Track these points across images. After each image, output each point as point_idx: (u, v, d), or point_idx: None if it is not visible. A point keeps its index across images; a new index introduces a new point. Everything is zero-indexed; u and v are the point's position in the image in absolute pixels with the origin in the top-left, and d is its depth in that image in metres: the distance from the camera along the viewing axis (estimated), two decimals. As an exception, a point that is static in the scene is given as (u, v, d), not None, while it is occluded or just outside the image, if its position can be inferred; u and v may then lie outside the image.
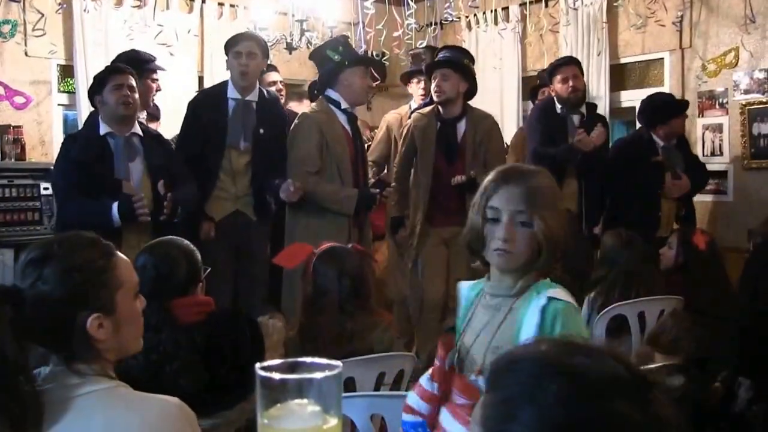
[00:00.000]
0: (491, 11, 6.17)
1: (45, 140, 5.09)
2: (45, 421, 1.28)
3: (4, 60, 4.95)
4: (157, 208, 3.30)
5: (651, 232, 4.17)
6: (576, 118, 4.44)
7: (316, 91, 4.17)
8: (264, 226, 3.96)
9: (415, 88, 5.01)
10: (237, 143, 3.81)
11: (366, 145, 4.48)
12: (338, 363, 0.80)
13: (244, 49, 3.81)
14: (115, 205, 3.22)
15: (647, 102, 4.48)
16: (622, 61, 5.59)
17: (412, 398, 1.59)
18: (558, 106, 4.44)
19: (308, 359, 0.81)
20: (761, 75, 4.80)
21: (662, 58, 5.35)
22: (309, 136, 3.72)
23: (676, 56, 5.24)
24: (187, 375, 2.01)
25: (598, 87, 5.47)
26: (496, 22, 6.18)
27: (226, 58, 3.91)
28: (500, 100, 6.15)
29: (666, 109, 4.36)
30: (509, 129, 5.98)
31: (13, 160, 4.75)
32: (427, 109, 4.25)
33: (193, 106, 3.94)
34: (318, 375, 0.78)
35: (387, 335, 2.41)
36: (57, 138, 4.99)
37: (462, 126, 4.08)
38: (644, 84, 5.46)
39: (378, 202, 3.90)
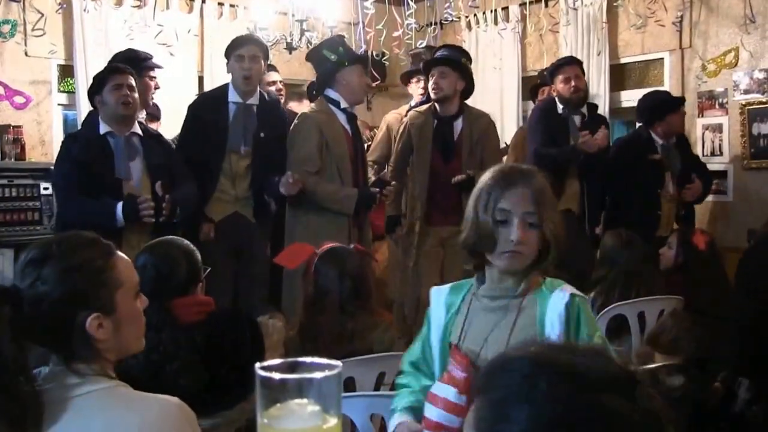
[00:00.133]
0: (491, 11, 6.17)
1: (45, 140, 5.09)
2: (45, 420, 1.28)
3: (4, 60, 4.95)
4: (155, 208, 3.31)
5: (651, 231, 4.18)
6: (577, 119, 4.44)
7: (314, 92, 4.17)
8: (263, 227, 3.96)
9: (415, 88, 5.01)
10: (238, 147, 3.80)
11: (366, 145, 4.49)
12: (338, 363, 0.80)
13: (247, 53, 3.79)
14: (119, 205, 3.22)
15: (644, 100, 4.50)
16: (622, 61, 5.59)
17: (438, 414, 1.57)
18: (559, 106, 4.44)
19: (308, 359, 0.81)
20: (761, 75, 4.80)
21: (662, 58, 5.35)
22: (309, 136, 3.72)
23: (676, 56, 5.24)
24: (187, 375, 2.01)
25: (598, 87, 5.47)
26: (496, 22, 6.18)
27: (227, 61, 3.88)
28: (500, 100, 6.15)
29: (662, 106, 4.37)
30: (509, 129, 5.98)
31: (13, 159, 4.74)
32: (424, 107, 4.25)
33: (193, 109, 3.93)
34: (318, 375, 0.78)
35: (387, 335, 2.41)
36: (57, 138, 4.98)
37: (459, 124, 4.09)
38: (644, 84, 5.46)
39: (378, 201, 3.90)
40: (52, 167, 4.01)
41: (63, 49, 5.18)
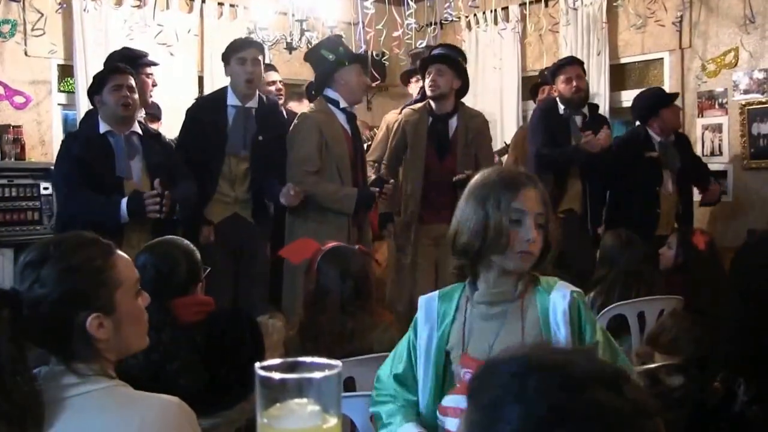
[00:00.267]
0: (491, 11, 6.17)
1: (45, 140, 5.09)
2: (45, 420, 1.28)
3: (4, 60, 4.95)
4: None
5: (650, 229, 4.19)
6: (578, 119, 4.44)
7: (313, 92, 4.17)
8: (263, 227, 3.96)
9: (415, 88, 5.01)
10: (237, 151, 3.80)
11: (366, 145, 4.49)
12: (338, 363, 0.80)
13: (249, 56, 3.76)
14: (123, 201, 3.22)
15: (638, 98, 4.54)
16: (622, 61, 5.59)
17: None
18: (561, 106, 4.44)
19: (308, 359, 0.81)
20: (761, 75, 4.81)
21: (662, 58, 5.35)
22: (308, 136, 3.72)
23: (675, 56, 5.24)
24: (187, 375, 2.01)
25: (598, 87, 5.47)
26: (496, 22, 6.18)
27: (225, 64, 3.86)
28: (500, 100, 6.16)
29: (655, 101, 4.39)
30: (509, 129, 5.99)
31: (12, 159, 4.74)
32: (419, 105, 4.26)
33: (191, 114, 3.90)
34: (318, 374, 0.78)
35: (387, 335, 2.41)
36: (57, 138, 4.98)
37: (454, 122, 4.10)
38: (644, 84, 5.46)
39: (377, 200, 3.90)
40: (52, 167, 4.01)
41: (63, 49, 5.18)
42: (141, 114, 3.79)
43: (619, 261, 3.30)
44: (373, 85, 5.99)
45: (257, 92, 3.90)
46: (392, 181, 4.01)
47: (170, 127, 4.45)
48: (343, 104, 3.81)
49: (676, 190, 4.42)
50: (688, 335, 2.42)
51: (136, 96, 3.40)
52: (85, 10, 5.09)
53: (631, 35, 5.49)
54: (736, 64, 4.91)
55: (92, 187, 3.28)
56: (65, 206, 3.44)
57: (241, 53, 3.77)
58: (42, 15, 5.02)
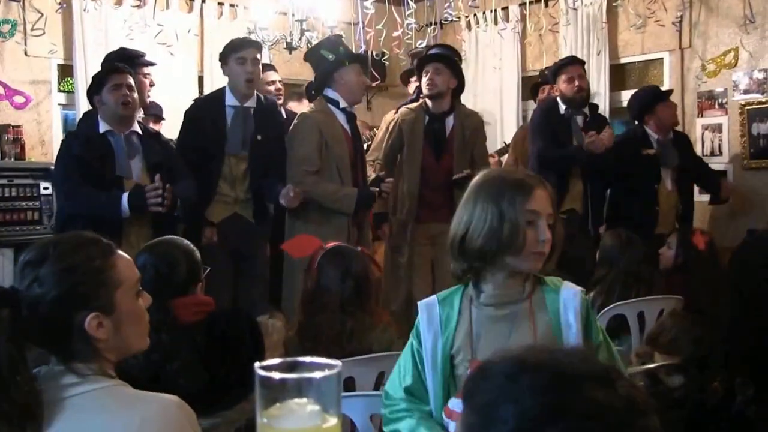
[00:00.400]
0: (491, 11, 6.17)
1: (45, 140, 5.09)
2: (44, 420, 1.28)
3: (4, 59, 4.95)
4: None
5: (650, 227, 4.20)
6: (579, 119, 4.45)
7: (313, 92, 4.17)
8: (263, 228, 3.96)
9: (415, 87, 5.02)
10: (236, 151, 3.80)
11: (366, 145, 4.49)
12: (338, 362, 0.80)
13: (249, 55, 3.76)
14: (124, 196, 3.22)
15: (633, 96, 4.57)
16: (622, 61, 5.59)
17: None
18: (562, 106, 4.45)
19: (308, 358, 0.81)
20: (760, 75, 4.81)
21: (662, 58, 5.35)
22: (308, 136, 3.72)
23: (675, 56, 5.24)
24: (187, 375, 2.01)
25: (597, 87, 5.47)
26: (495, 22, 6.18)
27: (223, 64, 3.85)
28: (500, 100, 6.16)
29: (650, 98, 4.40)
30: (509, 129, 6.00)
31: (12, 159, 4.74)
32: (415, 104, 4.27)
33: (190, 115, 3.89)
34: (317, 374, 0.78)
35: (386, 335, 2.41)
36: (57, 138, 4.98)
37: (450, 121, 4.12)
38: (644, 84, 5.45)
39: (377, 200, 3.90)
40: (52, 167, 4.01)
41: (63, 49, 5.18)
42: (140, 114, 3.79)
43: (619, 261, 3.30)
44: (373, 85, 5.99)
45: (255, 92, 3.90)
46: (390, 179, 4.02)
47: (170, 127, 4.45)
48: (342, 104, 3.82)
49: (675, 188, 4.42)
50: (687, 335, 2.42)
51: (136, 95, 3.40)
52: (85, 10, 5.09)
53: (631, 35, 5.49)
54: (735, 64, 4.91)
55: (92, 185, 3.28)
56: (66, 204, 3.43)
57: (240, 53, 3.76)
58: (42, 15, 5.02)
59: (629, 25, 5.46)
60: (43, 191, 4.67)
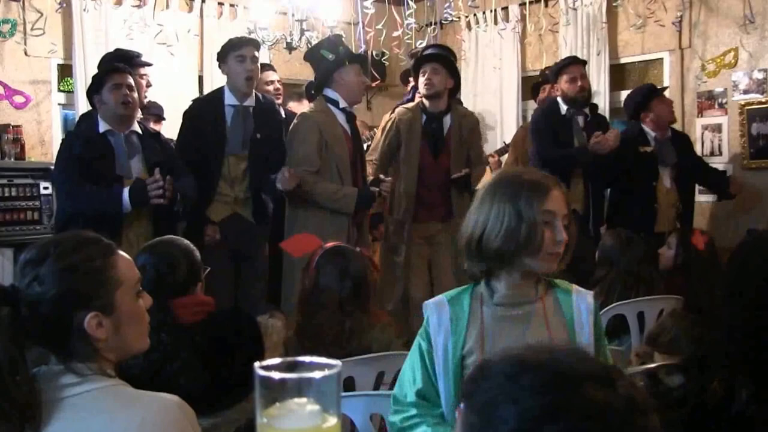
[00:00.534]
0: (491, 11, 6.17)
1: (45, 140, 5.09)
2: (44, 420, 1.28)
3: (4, 59, 4.95)
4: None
5: (649, 224, 4.21)
6: (580, 119, 4.45)
7: (313, 92, 4.17)
8: (262, 227, 3.96)
9: (415, 88, 5.02)
10: (237, 150, 3.80)
11: (366, 145, 4.49)
12: (337, 362, 0.80)
13: (248, 53, 3.76)
14: (126, 190, 3.22)
15: (628, 96, 4.60)
16: (622, 61, 5.59)
17: None
18: (563, 107, 4.45)
19: (307, 358, 0.81)
20: (760, 75, 4.81)
21: (662, 58, 5.35)
22: (308, 136, 3.72)
23: (675, 56, 5.24)
24: (187, 375, 2.01)
25: (597, 87, 5.47)
26: (495, 22, 6.18)
27: (222, 63, 3.84)
28: (500, 100, 6.16)
29: (644, 95, 4.42)
30: (509, 129, 6.00)
31: (12, 159, 4.74)
32: (411, 104, 4.28)
33: (189, 115, 3.89)
34: (317, 374, 0.78)
35: (385, 335, 2.41)
36: (57, 138, 4.99)
37: (448, 121, 4.14)
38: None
39: (376, 199, 3.91)
40: (52, 167, 4.00)
41: (62, 49, 5.17)
42: (138, 114, 3.79)
43: (618, 261, 3.30)
44: (373, 84, 5.99)
45: (253, 91, 3.90)
46: (389, 179, 4.02)
47: (170, 128, 4.45)
48: (342, 104, 3.82)
49: (674, 187, 4.42)
50: (687, 335, 2.42)
51: (136, 95, 3.40)
52: (84, 9, 5.09)
53: (630, 35, 5.49)
54: (735, 64, 4.91)
55: (93, 184, 3.28)
56: (67, 202, 3.42)
57: (239, 51, 3.76)
58: (42, 14, 5.02)
59: (629, 25, 5.46)
60: (43, 191, 4.67)
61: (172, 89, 5.25)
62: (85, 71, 4.94)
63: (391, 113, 4.51)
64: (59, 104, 5.25)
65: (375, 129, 5.45)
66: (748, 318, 2.16)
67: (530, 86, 5.59)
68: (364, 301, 2.44)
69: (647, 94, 4.43)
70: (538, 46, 6.05)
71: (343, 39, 4.14)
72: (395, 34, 5.41)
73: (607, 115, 5.21)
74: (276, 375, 0.78)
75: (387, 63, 6.14)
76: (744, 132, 4.88)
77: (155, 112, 4.70)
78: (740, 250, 2.32)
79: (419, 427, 1.68)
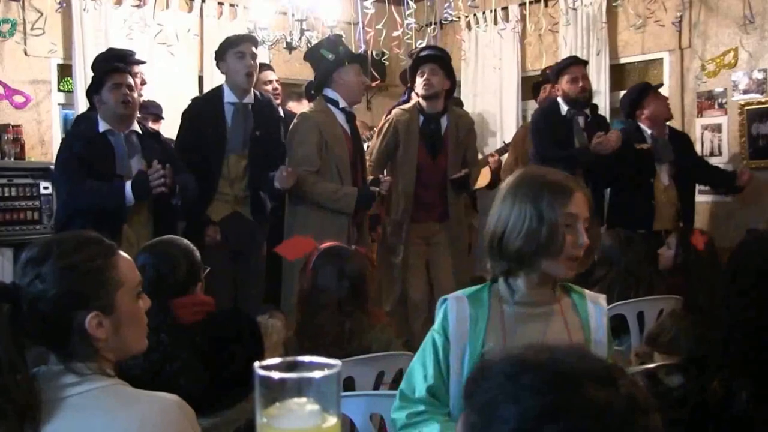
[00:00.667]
0: (491, 11, 6.17)
1: (45, 140, 5.09)
2: (43, 419, 1.28)
3: (4, 59, 4.95)
4: (156, 198, 3.31)
5: (647, 221, 4.21)
6: (581, 119, 4.45)
7: (312, 92, 4.17)
8: (261, 224, 3.96)
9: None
10: (238, 149, 3.80)
11: (366, 145, 4.49)
12: (337, 362, 0.80)
13: (247, 50, 3.78)
14: (128, 184, 3.23)
15: (623, 96, 4.63)
16: (622, 61, 5.59)
17: None
18: (563, 107, 4.45)
19: (307, 358, 0.81)
20: (760, 75, 4.81)
21: (661, 58, 5.35)
22: (308, 136, 3.73)
23: (675, 56, 5.24)
24: (187, 375, 2.01)
25: (597, 87, 5.46)
26: (495, 22, 6.18)
27: (220, 61, 3.84)
28: (500, 100, 6.16)
29: (638, 92, 4.44)
30: (509, 129, 6.00)
31: (12, 159, 4.74)
32: (408, 104, 4.29)
33: (188, 115, 3.89)
34: (317, 374, 0.78)
35: (385, 335, 2.41)
36: (57, 137, 4.98)
37: (445, 121, 4.15)
38: (644, 84, 5.46)
39: (376, 199, 3.91)
40: (52, 167, 4.00)
41: (62, 49, 5.17)
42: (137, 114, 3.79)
43: (618, 261, 3.30)
44: (373, 84, 5.99)
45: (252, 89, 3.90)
46: (389, 178, 4.03)
47: (170, 127, 4.45)
48: (342, 104, 3.82)
49: (673, 184, 4.42)
50: (687, 335, 2.42)
51: (136, 94, 3.41)
52: (84, 9, 5.09)
53: (630, 35, 5.49)
54: (735, 64, 4.91)
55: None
56: (69, 200, 3.41)
57: (238, 47, 3.77)
58: (41, 14, 5.01)
59: (629, 25, 5.46)
60: (42, 191, 4.66)
61: (172, 89, 5.25)
62: (84, 71, 4.94)
63: (387, 115, 4.53)
64: (59, 104, 5.24)
65: (375, 129, 5.45)
66: (748, 318, 2.16)
67: (530, 86, 5.59)
68: (363, 300, 2.44)
69: (641, 91, 4.45)
70: (538, 46, 6.05)
71: (343, 39, 4.15)
72: (395, 34, 5.41)
73: (607, 115, 5.21)
74: (276, 375, 0.78)
75: (387, 63, 6.14)
76: (744, 132, 4.88)
77: (153, 111, 4.70)
78: (740, 249, 2.32)
79: (429, 423, 1.65)
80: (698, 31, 5.10)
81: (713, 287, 3.27)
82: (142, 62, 4.02)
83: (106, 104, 3.34)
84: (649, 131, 4.38)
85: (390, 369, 2.29)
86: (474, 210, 5.38)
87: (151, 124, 4.15)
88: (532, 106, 5.46)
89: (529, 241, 1.59)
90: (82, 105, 4.81)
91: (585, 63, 4.63)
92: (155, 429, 1.31)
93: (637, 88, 4.52)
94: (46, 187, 4.64)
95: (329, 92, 3.82)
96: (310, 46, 4.50)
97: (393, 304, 4.12)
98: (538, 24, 5.92)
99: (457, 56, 6.20)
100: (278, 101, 4.56)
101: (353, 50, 4.53)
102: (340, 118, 3.83)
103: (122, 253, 1.46)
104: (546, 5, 5.91)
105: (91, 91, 3.40)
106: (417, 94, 4.22)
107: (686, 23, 5.14)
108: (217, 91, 3.90)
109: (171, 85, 5.27)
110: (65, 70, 5.23)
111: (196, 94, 5.37)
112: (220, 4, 5.83)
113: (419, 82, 4.10)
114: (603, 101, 5.40)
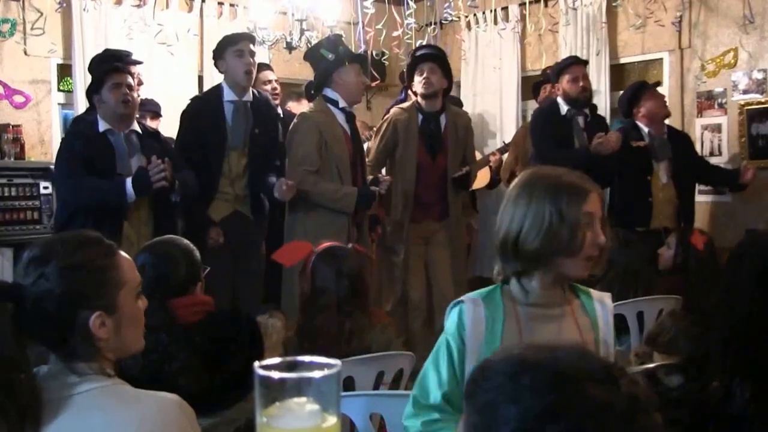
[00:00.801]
0: (491, 11, 6.17)
1: (44, 139, 5.09)
2: (44, 418, 1.28)
3: (4, 59, 4.95)
4: (156, 197, 3.31)
5: (645, 218, 4.21)
6: (581, 120, 4.45)
7: (312, 91, 4.18)
8: (260, 223, 3.96)
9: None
10: (239, 146, 3.80)
11: (365, 145, 4.49)
12: (337, 362, 0.80)
13: (245, 48, 3.79)
14: (128, 180, 3.23)
15: (621, 95, 4.62)
16: (622, 61, 5.59)
17: None
18: (563, 107, 4.45)
19: (307, 358, 0.81)
20: (760, 75, 4.81)
21: (661, 59, 5.35)
22: (308, 136, 3.73)
23: (675, 56, 5.24)
24: (186, 375, 2.01)
25: (597, 87, 5.46)
26: (495, 22, 6.18)
27: (219, 60, 3.84)
28: (500, 100, 6.16)
29: (635, 91, 4.44)
30: (509, 129, 5.99)
31: (12, 159, 4.74)
32: (406, 104, 4.29)
33: (188, 114, 3.89)
34: (317, 374, 0.78)
35: (385, 335, 2.42)
36: (56, 137, 4.98)
37: (443, 120, 4.15)
38: (643, 84, 5.46)
39: (375, 199, 3.91)
40: (52, 166, 4.00)
41: (62, 49, 5.17)
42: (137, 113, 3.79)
43: (617, 261, 3.30)
44: (373, 84, 5.99)
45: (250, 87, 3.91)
46: (388, 178, 4.03)
47: (170, 127, 4.45)
48: (342, 104, 3.82)
49: (671, 183, 4.41)
50: (687, 335, 2.42)
51: (135, 94, 3.41)
52: (84, 9, 5.09)
53: (630, 35, 5.49)
54: (735, 65, 4.91)
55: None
56: (70, 198, 3.40)
57: (237, 46, 3.79)
58: (41, 14, 5.01)
59: (629, 25, 5.46)
60: (42, 191, 4.66)
61: (172, 89, 5.25)
62: (84, 71, 4.92)
63: (386, 114, 4.53)
64: (59, 104, 5.24)
65: (375, 129, 5.45)
66: (748, 318, 2.16)
67: (530, 86, 5.59)
68: (363, 300, 2.44)
69: (638, 89, 4.46)
70: (537, 46, 6.05)
71: (343, 39, 4.15)
72: (395, 34, 5.42)
73: (607, 115, 5.21)
74: (276, 375, 0.78)
75: (387, 63, 6.14)
76: (744, 132, 4.88)
77: (151, 108, 4.70)
78: (739, 249, 2.32)
79: (438, 424, 1.62)
80: (698, 31, 5.10)
81: (713, 287, 3.27)
82: (139, 62, 4.02)
83: (106, 104, 3.34)
84: (646, 129, 4.38)
85: (390, 369, 2.29)
86: (473, 210, 5.37)
87: (149, 122, 4.15)
88: (532, 106, 5.46)
89: (548, 240, 1.58)
90: (81, 105, 4.81)
91: (585, 63, 4.63)
92: (155, 428, 1.31)
93: (634, 87, 4.54)
94: (46, 187, 4.64)
95: (329, 92, 3.83)
96: (309, 46, 4.50)
97: (393, 304, 4.12)
98: (538, 24, 5.92)
99: (457, 56, 6.20)
100: (277, 101, 4.56)
101: (353, 50, 4.54)
102: (340, 118, 3.83)
103: (123, 253, 1.46)
104: (546, 5, 5.91)
105: (91, 91, 3.40)
106: (415, 93, 4.22)
107: (686, 23, 5.14)
108: (216, 89, 3.91)
109: (171, 85, 5.28)
110: (65, 70, 5.23)
111: (196, 94, 5.37)
112: (220, 4, 5.83)
113: (418, 81, 4.10)
114: (603, 101, 5.40)
